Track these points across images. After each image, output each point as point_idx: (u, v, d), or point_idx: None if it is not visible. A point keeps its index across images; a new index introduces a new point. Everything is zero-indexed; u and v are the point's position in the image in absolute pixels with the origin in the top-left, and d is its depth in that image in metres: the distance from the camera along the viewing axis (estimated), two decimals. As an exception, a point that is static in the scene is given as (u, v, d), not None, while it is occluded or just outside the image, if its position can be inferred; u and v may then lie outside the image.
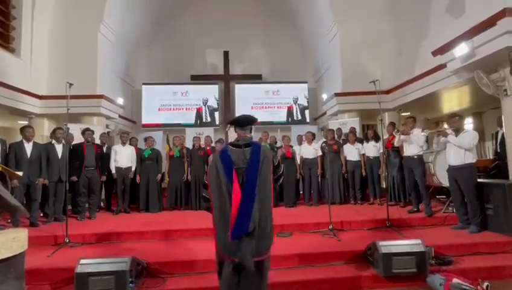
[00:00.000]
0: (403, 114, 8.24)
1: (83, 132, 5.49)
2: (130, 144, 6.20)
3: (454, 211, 4.56)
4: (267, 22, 11.19)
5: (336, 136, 6.53)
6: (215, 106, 10.80)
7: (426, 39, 6.65)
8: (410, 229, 4.32)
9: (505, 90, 4.60)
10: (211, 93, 10.82)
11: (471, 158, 4.12)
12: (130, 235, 4.15)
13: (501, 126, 5.26)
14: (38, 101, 7.12)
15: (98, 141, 6.00)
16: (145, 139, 6.22)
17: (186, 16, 10.94)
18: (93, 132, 5.61)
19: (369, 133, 6.17)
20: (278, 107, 10.93)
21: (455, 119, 4.29)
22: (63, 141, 5.07)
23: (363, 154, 6.04)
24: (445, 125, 5.10)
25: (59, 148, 5.01)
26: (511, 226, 3.80)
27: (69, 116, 4.51)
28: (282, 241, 3.78)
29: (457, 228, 4.27)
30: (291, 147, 6.32)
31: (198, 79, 10.90)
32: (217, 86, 10.88)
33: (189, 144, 7.18)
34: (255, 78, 11.04)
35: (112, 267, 2.83)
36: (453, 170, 4.25)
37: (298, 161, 6.16)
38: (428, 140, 5.32)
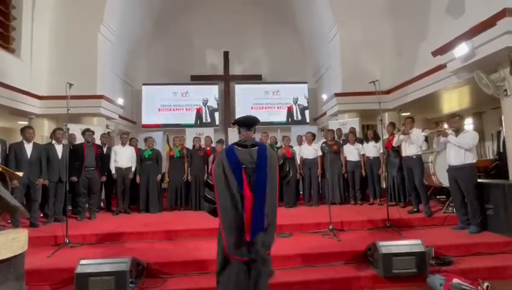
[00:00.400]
0: (403, 114, 8.24)
1: (83, 133, 5.49)
2: (130, 145, 6.20)
3: (454, 211, 4.56)
4: (267, 22, 11.19)
5: (335, 136, 6.54)
6: (215, 106, 10.80)
7: (426, 39, 6.65)
8: (410, 230, 4.32)
9: (505, 90, 4.60)
10: (211, 93, 10.82)
11: (471, 158, 4.11)
12: (130, 236, 4.15)
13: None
14: (38, 102, 7.13)
15: (98, 142, 6.00)
16: (145, 140, 6.22)
17: (186, 16, 10.94)
18: (93, 133, 5.61)
19: (369, 133, 6.17)
20: (277, 108, 10.93)
21: (455, 120, 4.29)
22: (63, 142, 5.07)
23: (363, 155, 6.04)
24: (445, 126, 5.10)
25: (59, 149, 5.01)
26: (511, 226, 3.80)
27: (69, 117, 4.51)
28: (282, 242, 3.78)
29: (457, 228, 4.27)
30: (291, 147, 6.32)
31: (198, 79, 10.90)
32: (217, 86, 10.88)
33: (189, 144, 7.18)
34: (255, 79, 11.04)
35: (112, 267, 2.82)
36: (453, 170, 4.25)
37: (298, 161, 6.16)
38: (428, 140, 5.32)
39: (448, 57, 5.24)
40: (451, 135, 4.25)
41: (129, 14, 8.62)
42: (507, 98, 4.65)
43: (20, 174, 3.51)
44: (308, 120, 10.88)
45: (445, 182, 4.74)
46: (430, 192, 5.30)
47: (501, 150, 5.57)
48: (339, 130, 7.15)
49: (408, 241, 3.30)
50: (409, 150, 4.98)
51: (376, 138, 5.98)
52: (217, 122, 10.71)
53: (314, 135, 6.47)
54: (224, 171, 2.12)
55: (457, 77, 5.61)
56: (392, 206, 4.56)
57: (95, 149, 5.41)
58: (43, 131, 7.27)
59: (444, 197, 5.65)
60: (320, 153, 6.05)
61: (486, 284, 2.84)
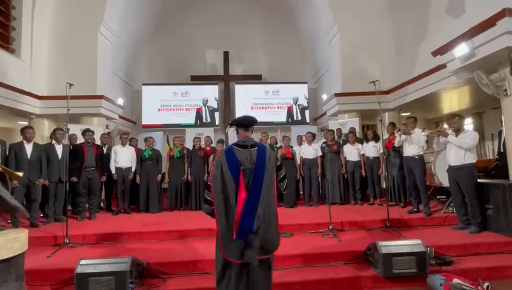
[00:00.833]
0: (403, 114, 8.24)
1: (83, 133, 5.49)
2: (130, 145, 6.20)
3: (454, 211, 4.56)
4: (267, 22, 11.20)
5: (335, 136, 6.53)
6: (215, 106, 10.80)
7: (426, 39, 6.65)
8: (410, 230, 4.32)
9: (505, 90, 4.60)
10: (210, 93, 10.82)
11: (471, 158, 4.11)
12: (130, 236, 4.15)
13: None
14: (38, 102, 7.13)
15: (98, 142, 6.00)
16: (145, 140, 6.22)
17: (186, 16, 10.94)
18: (93, 133, 5.61)
19: (368, 133, 6.17)
20: (277, 108, 10.93)
21: (455, 120, 4.28)
22: (63, 142, 5.07)
23: (363, 155, 6.04)
24: (445, 126, 5.09)
25: (59, 149, 5.01)
26: (511, 226, 3.80)
27: (69, 117, 4.51)
28: (282, 242, 3.68)
29: (457, 228, 4.27)
30: (291, 147, 6.32)
31: (198, 79, 10.90)
32: (216, 87, 10.88)
33: (189, 144, 7.18)
34: (255, 79, 11.04)
35: (112, 267, 2.82)
36: (453, 170, 4.25)
37: (298, 161, 6.16)
38: (428, 140, 5.31)
39: (448, 57, 5.23)
40: (451, 135, 4.25)
41: (129, 14, 8.62)
42: (507, 98, 4.64)
43: (20, 174, 3.50)
44: (308, 120, 10.88)
45: (445, 182, 4.74)
46: (430, 192, 5.30)
47: (501, 150, 5.57)
48: (339, 130, 7.16)
49: (408, 241, 3.30)
50: (410, 150, 4.96)
51: (376, 138, 5.98)
52: (217, 123, 10.71)
53: (314, 135, 6.47)
54: (222, 171, 2.12)
55: (457, 77, 5.60)
56: (392, 206, 4.56)
57: (95, 149, 5.41)
58: (43, 131, 7.28)
59: (444, 197, 5.65)
60: (320, 153, 6.05)
61: (486, 284, 2.84)
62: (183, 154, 6.15)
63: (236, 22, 10.83)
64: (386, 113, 7.80)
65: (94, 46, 7.42)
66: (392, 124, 5.72)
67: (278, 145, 6.84)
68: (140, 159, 5.92)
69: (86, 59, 7.31)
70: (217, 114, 10.77)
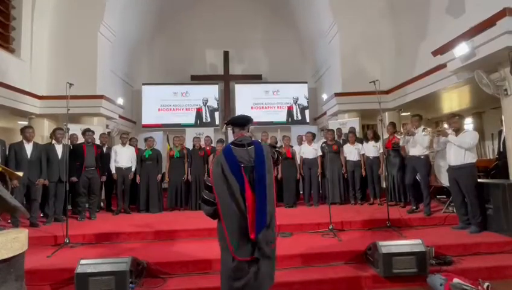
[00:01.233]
0: (403, 114, 8.24)
1: (83, 133, 5.49)
2: (130, 145, 6.20)
3: (455, 211, 4.56)
4: (267, 22, 11.19)
5: (335, 136, 6.53)
6: (215, 106, 10.79)
7: (426, 39, 6.65)
8: (410, 229, 4.32)
9: (505, 90, 4.59)
10: (211, 93, 10.82)
11: (471, 158, 4.11)
12: (130, 236, 4.15)
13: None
14: (38, 102, 7.13)
15: (98, 142, 6.00)
16: (145, 140, 6.22)
17: (186, 16, 10.93)
18: (93, 133, 5.62)
19: (368, 133, 6.16)
20: (277, 107, 10.93)
21: (455, 119, 4.28)
22: (63, 141, 5.07)
23: (363, 155, 6.04)
24: (445, 125, 5.09)
25: (59, 149, 5.01)
26: (511, 226, 3.80)
27: (69, 117, 4.51)
28: (282, 242, 3.76)
29: (457, 228, 4.27)
30: (291, 147, 6.32)
31: (198, 79, 10.89)
32: (217, 86, 10.88)
33: (189, 144, 7.18)
34: (255, 78, 11.03)
35: (112, 267, 2.83)
36: (453, 170, 4.25)
37: (298, 161, 6.16)
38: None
39: (448, 57, 5.23)
40: (451, 135, 4.25)
41: (129, 14, 8.62)
42: (507, 98, 4.64)
43: (20, 174, 3.50)
44: (308, 120, 10.88)
45: (445, 182, 4.74)
46: (430, 192, 5.30)
47: (501, 150, 5.56)
48: (339, 129, 7.16)
49: (408, 241, 3.30)
50: (415, 149, 4.91)
51: (376, 138, 5.98)
52: (217, 122, 10.70)
53: (314, 135, 6.47)
54: (223, 170, 2.12)
55: (457, 77, 5.60)
56: (392, 206, 4.56)
57: (95, 149, 5.41)
58: (43, 131, 7.27)
59: (444, 197, 5.65)
60: (320, 153, 6.05)
61: (486, 284, 2.84)
62: (183, 154, 6.15)
63: (236, 22, 10.82)
64: (386, 113, 7.80)
65: (94, 46, 7.42)
66: (392, 124, 5.72)
67: (278, 144, 6.83)
68: (141, 159, 5.92)
69: (85, 59, 7.31)
70: (217, 114, 10.77)
